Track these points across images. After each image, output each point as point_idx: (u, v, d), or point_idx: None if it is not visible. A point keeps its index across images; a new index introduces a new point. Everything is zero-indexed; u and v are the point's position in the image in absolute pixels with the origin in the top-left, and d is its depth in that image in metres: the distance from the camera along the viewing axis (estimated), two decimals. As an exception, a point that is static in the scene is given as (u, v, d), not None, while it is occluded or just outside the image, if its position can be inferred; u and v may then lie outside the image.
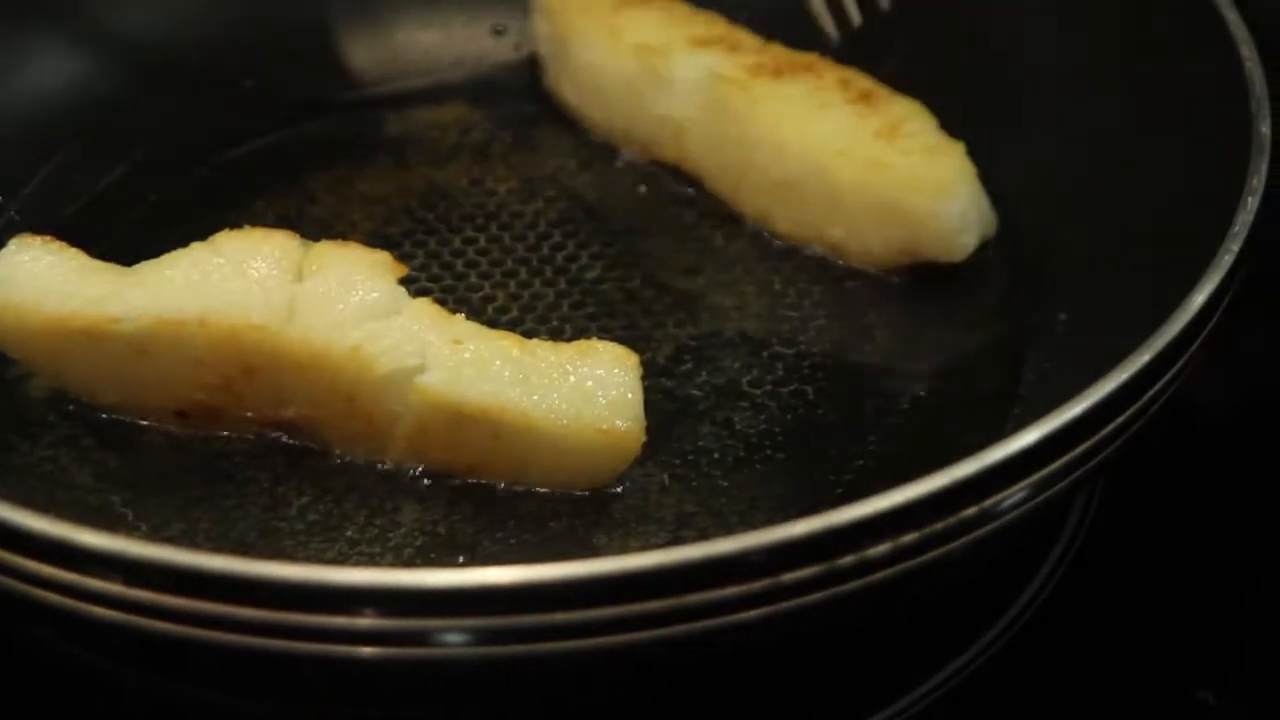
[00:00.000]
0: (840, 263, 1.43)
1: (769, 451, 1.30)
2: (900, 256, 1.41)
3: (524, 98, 1.60)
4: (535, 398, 1.23)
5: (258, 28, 1.61)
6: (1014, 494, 1.08)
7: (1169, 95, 1.37)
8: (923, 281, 1.41)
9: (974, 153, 1.40)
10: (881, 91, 1.45)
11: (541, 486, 1.26)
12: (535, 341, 1.26)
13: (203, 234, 1.28)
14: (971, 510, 1.07)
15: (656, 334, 1.39)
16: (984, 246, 1.42)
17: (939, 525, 1.06)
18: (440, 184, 1.52)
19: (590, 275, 1.44)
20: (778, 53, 1.49)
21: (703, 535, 1.24)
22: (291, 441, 1.29)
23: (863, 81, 1.46)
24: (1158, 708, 1.25)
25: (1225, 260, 1.17)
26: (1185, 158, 1.33)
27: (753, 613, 1.04)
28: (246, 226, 1.28)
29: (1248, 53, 1.31)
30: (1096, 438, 1.11)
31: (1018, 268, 1.42)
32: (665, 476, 1.28)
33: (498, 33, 1.65)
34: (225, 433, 1.30)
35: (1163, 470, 1.35)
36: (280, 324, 1.24)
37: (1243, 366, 1.43)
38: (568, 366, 1.24)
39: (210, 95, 1.58)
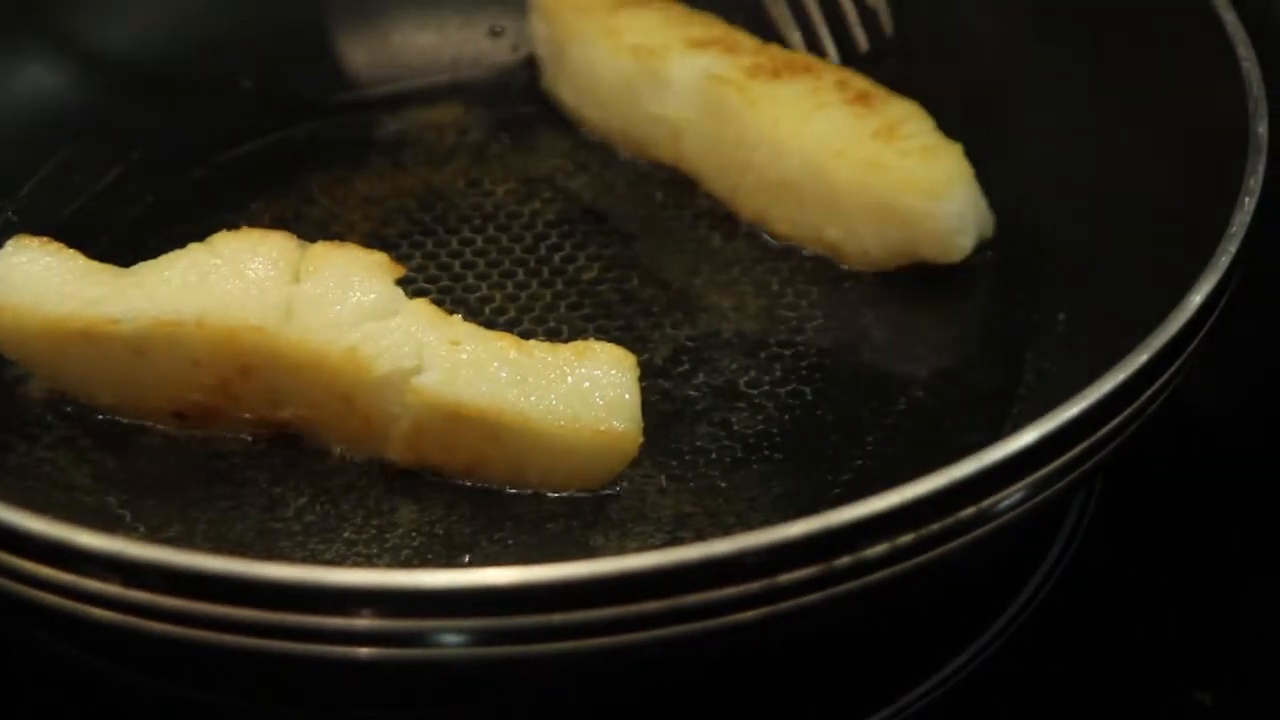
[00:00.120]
0: (838, 263, 1.43)
1: (766, 452, 1.30)
2: (898, 257, 1.41)
3: (521, 99, 1.60)
4: (533, 399, 1.23)
5: (255, 29, 1.61)
6: (1012, 494, 1.08)
7: (1166, 95, 1.37)
8: (921, 282, 1.41)
9: (972, 153, 1.40)
10: (879, 92, 1.45)
11: (539, 487, 1.26)
12: (532, 342, 1.26)
13: (200, 235, 1.28)
14: (969, 511, 1.07)
15: (654, 335, 1.39)
16: (982, 247, 1.42)
17: (936, 526, 1.06)
18: (437, 185, 1.52)
19: (587, 276, 1.44)
20: (775, 53, 1.49)
21: (700, 536, 1.24)
22: (289, 442, 1.29)
23: (860, 82, 1.46)
24: (1155, 708, 1.25)
25: (1223, 261, 1.17)
26: (1183, 158, 1.33)
27: (750, 613, 1.04)
28: (244, 227, 1.29)
29: (1245, 53, 1.30)
30: (1094, 438, 1.11)
31: (1016, 268, 1.42)
32: (662, 477, 1.28)
33: (495, 34, 1.65)
34: (223, 434, 1.30)
35: (1160, 470, 1.35)
36: (278, 325, 1.24)
37: (1240, 367, 1.43)
38: (565, 367, 1.24)
39: (208, 96, 1.58)
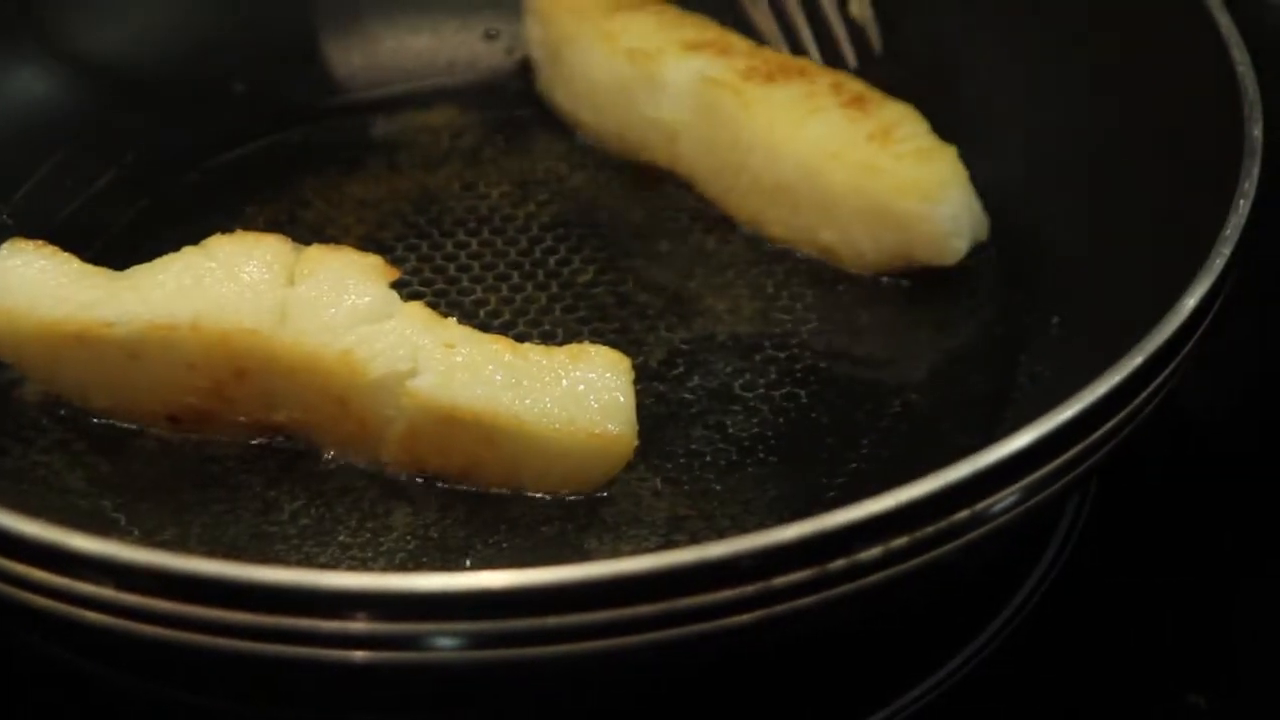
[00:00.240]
0: (833, 266, 1.43)
1: (761, 455, 1.30)
2: (893, 260, 1.41)
3: (516, 102, 1.60)
4: (527, 402, 1.23)
5: (249, 32, 1.61)
6: (1006, 497, 1.08)
7: (1161, 98, 1.37)
8: (916, 284, 1.41)
9: (966, 156, 1.40)
10: (874, 95, 1.45)
11: (534, 490, 1.26)
12: (527, 345, 1.26)
13: (195, 238, 1.28)
14: (964, 514, 1.07)
15: (649, 338, 1.39)
16: (977, 249, 1.42)
17: (931, 529, 1.06)
18: (432, 188, 1.52)
19: (582, 279, 1.44)
20: (770, 57, 1.49)
21: (694, 539, 1.24)
22: (283, 446, 1.29)
23: (855, 85, 1.46)
24: (1149, 711, 1.25)
25: (1217, 264, 1.17)
26: (1178, 161, 1.33)
27: (745, 616, 1.04)
28: (238, 231, 1.28)
29: (1239, 56, 1.30)
30: (1089, 441, 1.11)
31: (1011, 270, 1.42)
32: (657, 480, 1.28)
33: (490, 37, 1.65)
34: (217, 437, 1.30)
35: (1155, 473, 1.35)
36: (272, 328, 1.24)
37: (1235, 370, 1.43)
38: (560, 370, 1.24)
39: (202, 100, 1.58)
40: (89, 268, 1.28)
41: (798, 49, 1.57)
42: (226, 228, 1.30)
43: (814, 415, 1.33)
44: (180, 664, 1.14)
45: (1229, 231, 1.19)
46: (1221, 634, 1.30)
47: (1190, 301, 1.15)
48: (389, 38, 1.64)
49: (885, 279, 1.42)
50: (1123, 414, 1.12)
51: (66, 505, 1.26)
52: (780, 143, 1.42)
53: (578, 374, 1.24)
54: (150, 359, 1.25)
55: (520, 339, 1.29)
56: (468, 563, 1.22)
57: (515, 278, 1.44)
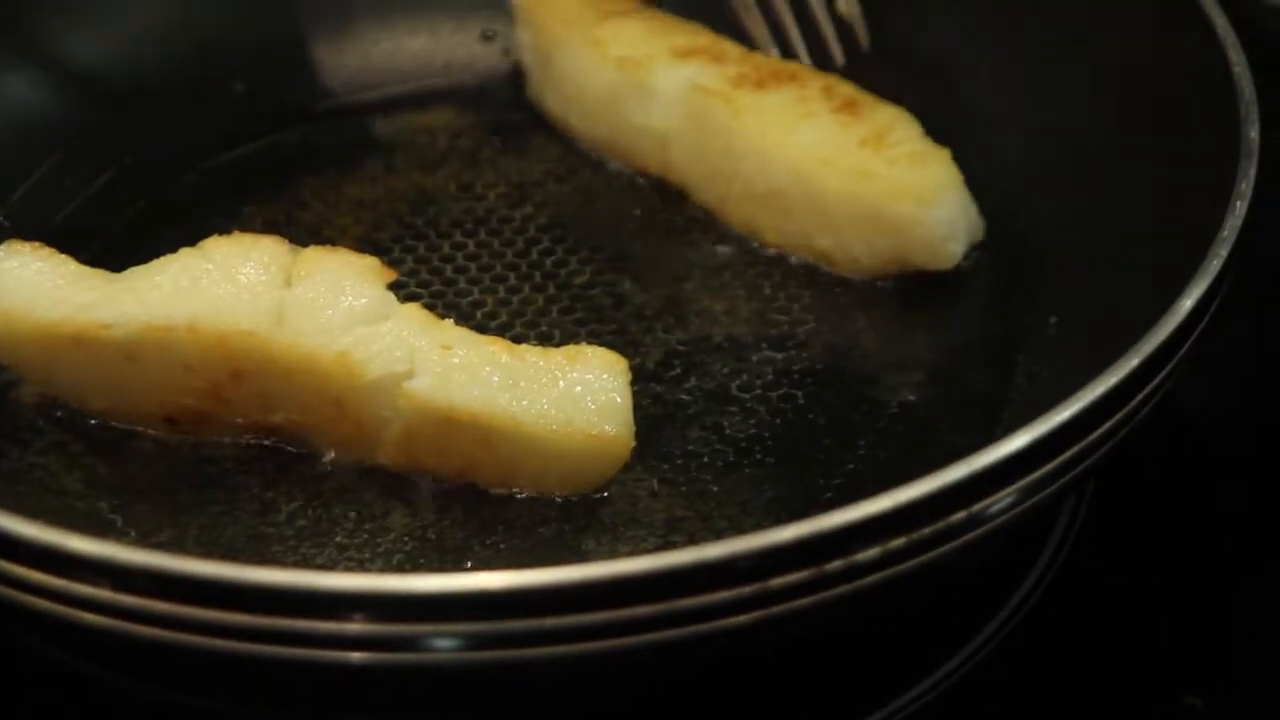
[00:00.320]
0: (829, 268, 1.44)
1: (758, 456, 1.30)
2: (888, 264, 1.41)
3: (513, 103, 1.60)
4: (524, 403, 1.23)
5: (247, 33, 1.61)
6: (1003, 498, 1.08)
7: (1158, 100, 1.37)
8: (912, 285, 1.41)
9: (962, 156, 1.40)
10: (866, 99, 1.45)
11: (531, 491, 1.26)
12: (524, 347, 1.26)
13: (192, 239, 1.28)
14: (960, 515, 1.07)
15: (645, 339, 1.39)
16: (973, 251, 1.42)
17: (928, 530, 1.06)
18: (429, 189, 1.52)
19: (579, 280, 1.44)
20: (761, 62, 1.48)
21: (692, 540, 1.24)
22: (281, 447, 1.29)
23: (847, 89, 1.46)
24: (1146, 712, 1.25)
25: (1214, 265, 1.17)
26: (1174, 162, 1.33)
27: (742, 617, 1.04)
28: (235, 232, 1.28)
29: (1235, 57, 1.31)
30: (1086, 442, 1.11)
31: (1007, 272, 1.42)
32: (654, 481, 1.28)
33: (486, 38, 1.65)
34: (214, 438, 1.30)
35: (1152, 474, 1.36)
36: (269, 329, 1.24)
37: (1232, 371, 1.43)
38: (557, 372, 1.24)
39: (199, 101, 1.58)
40: (86, 269, 1.28)
41: (787, 50, 1.57)
42: (224, 229, 1.30)
43: (811, 416, 1.33)
44: (178, 665, 1.14)
45: (1226, 233, 1.19)
46: (1219, 635, 1.30)
47: (1188, 302, 1.15)
48: (386, 39, 1.64)
49: (882, 280, 1.42)
50: (1120, 415, 1.12)
51: (63, 507, 1.26)
52: (772, 149, 1.42)
53: (575, 375, 1.24)
54: (147, 360, 1.25)
55: (517, 340, 1.29)
56: (466, 564, 1.22)
57: (512, 279, 1.44)
